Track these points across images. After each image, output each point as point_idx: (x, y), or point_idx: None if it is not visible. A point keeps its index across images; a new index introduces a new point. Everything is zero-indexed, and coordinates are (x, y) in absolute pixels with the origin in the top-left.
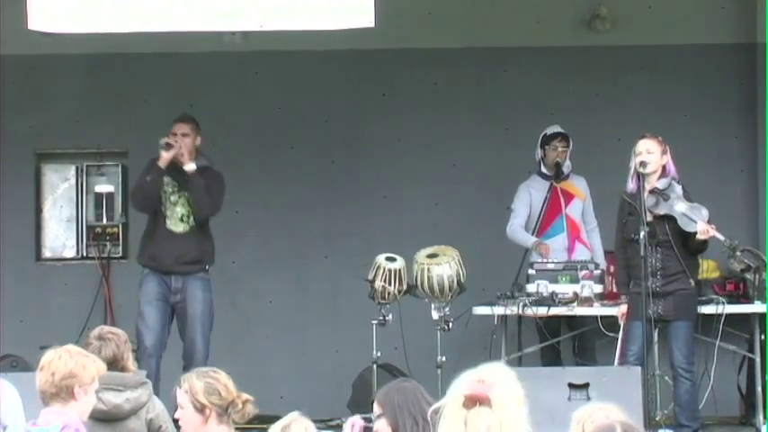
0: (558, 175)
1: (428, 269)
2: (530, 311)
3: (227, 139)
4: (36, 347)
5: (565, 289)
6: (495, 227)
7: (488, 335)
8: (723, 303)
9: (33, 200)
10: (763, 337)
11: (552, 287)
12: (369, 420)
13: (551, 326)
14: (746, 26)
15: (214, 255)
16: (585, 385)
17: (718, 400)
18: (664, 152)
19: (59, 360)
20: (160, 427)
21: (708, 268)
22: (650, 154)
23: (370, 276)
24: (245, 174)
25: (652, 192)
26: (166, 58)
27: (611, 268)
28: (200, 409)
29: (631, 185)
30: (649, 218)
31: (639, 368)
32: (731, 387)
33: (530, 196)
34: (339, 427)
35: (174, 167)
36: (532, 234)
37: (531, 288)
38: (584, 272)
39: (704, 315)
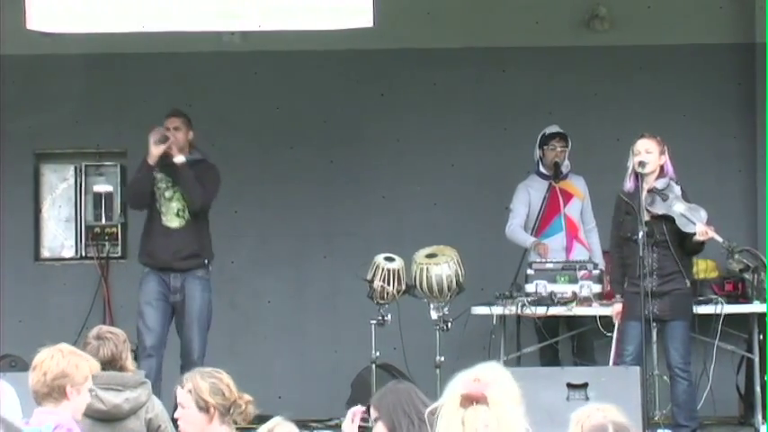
0: (556, 174)
1: (427, 269)
2: (528, 311)
3: (227, 139)
4: (35, 347)
5: (563, 289)
6: (494, 227)
7: (487, 335)
8: (722, 303)
9: (32, 200)
10: (761, 336)
11: (551, 287)
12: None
13: (550, 326)
14: (745, 26)
15: (212, 249)
16: (584, 385)
17: (717, 400)
18: (662, 152)
19: (51, 360)
20: (159, 426)
21: (706, 268)
22: (649, 154)
23: (369, 276)
24: (245, 174)
25: (650, 191)
26: (165, 58)
27: (610, 268)
28: (205, 408)
29: (629, 184)
30: (647, 217)
31: (638, 368)
32: (730, 387)
33: (528, 196)
34: (338, 426)
35: (167, 164)
36: (531, 234)
37: (529, 288)
38: (582, 272)
39: (703, 315)
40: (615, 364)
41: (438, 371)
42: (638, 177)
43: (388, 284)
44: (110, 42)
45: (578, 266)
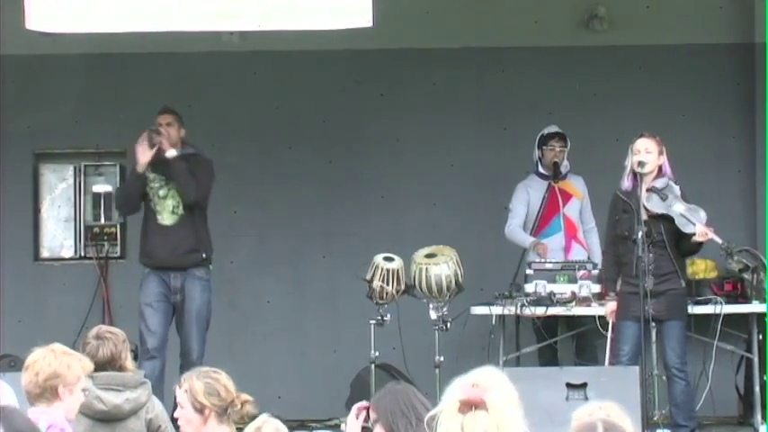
0: (556, 174)
1: (426, 269)
2: (528, 311)
3: (226, 139)
4: (34, 347)
5: (563, 289)
6: (493, 227)
7: (486, 335)
8: (721, 303)
9: (31, 200)
10: (761, 336)
11: (550, 287)
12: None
13: (549, 326)
14: (744, 26)
15: (211, 243)
16: (583, 385)
17: (716, 400)
18: (661, 152)
19: (43, 360)
20: (159, 427)
21: (706, 268)
22: (649, 153)
23: (368, 276)
24: (244, 174)
25: (650, 190)
26: (164, 58)
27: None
28: (200, 409)
29: (627, 183)
30: (644, 217)
31: (637, 368)
32: (729, 387)
33: (527, 195)
34: (337, 426)
35: (160, 162)
36: (530, 233)
37: (529, 288)
38: (581, 272)
39: (702, 315)
40: (611, 364)
41: (437, 371)
42: (636, 177)
43: (388, 284)
44: (109, 42)
45: (577, 266)
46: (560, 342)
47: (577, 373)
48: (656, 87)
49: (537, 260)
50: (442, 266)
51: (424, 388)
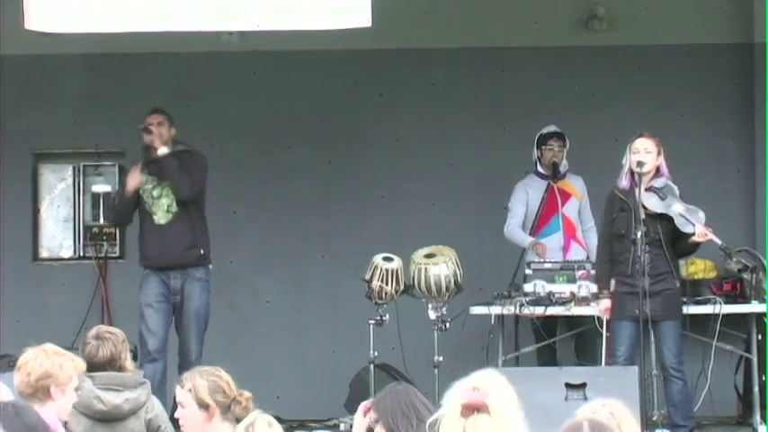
0: (555, 174)
1: (425, 269)
2: (527, 311)
3: (225, 139)
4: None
5: (562, 289)
6: (492, 227)
7: (485, 335)
8: (720, 303)
9: (30, 200)
10: (760, 336)
11: (549, 287)
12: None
13: (548, 326)
14: (744, 26)
15: (209, 240)
16: (582, 385)
17: (716, 400)
18: (659, 152)
19: (35, 360)
20: (159, 427)
21: (705, 268)
22: (648, 153)
23: (368, 276)
24: (243, 174)
25: (649, 190)
26: (164, 58)
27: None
28: (205, 407)
29: (624, 182)
30: (642, 216)
31: (636, 368)
32: (728, 387)
33: (526, 195)
34: (336, 426)
35: (151, 161)
36: (528, 233)
37: (528, 288)
38: (580, 272)
39: (701, 315)
40: (608, 364)
41: (436, 371)
42: (634, 176)
43: (387, 284)
44: (108, 42)
45: (576, 266)
46: (559, 342)
47: (576, 374)
48: (655, 87)
49: (536, 260)
50: (441, 266)
51: (423, 388)
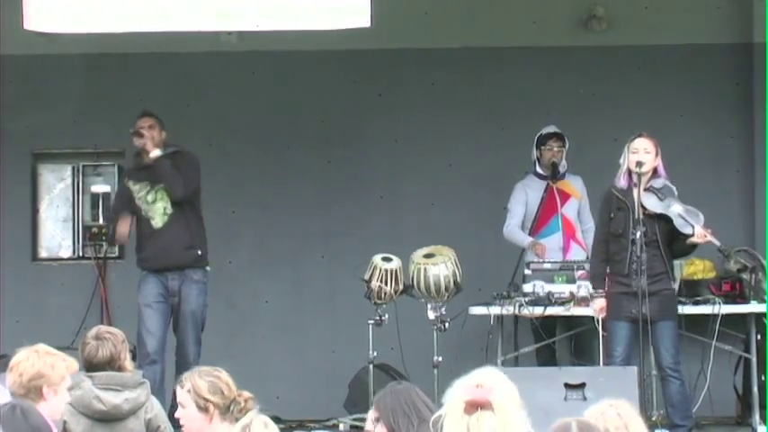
0: (554, 174)
1: (424, 269)
2: (526, 311)
3: (224, 139)
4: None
5: (561, 289)
6: (491, 227)
7: (485, 335)
8: (719, 303)
9: (30, 200)
10: (759, 336)
11: (548, 287)
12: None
13: (547, 326)
14: (743, 26)
15: (206, 241)
16: (581, 385)
17: (715, 400)
18: (657, 153)
19: (27, 361)
20: (159, 427)
21: (704, 268)
22: (647, 154)
23: (367, 276)
24: (242, 174)
25: (647, 190)
26: (163, 57)
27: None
28: (204, 407)
29: (622, 182)
30: (640, 216)
31: (635, 368)
32: (727, 387)
33: (525, 195)
34: (335, 426)
35: (143, 167)
36: (528, 233)
37: (527, 288)
38: (580, 272)
39: (700, 315)
40: (605, 364)
41: (435, 371)
42: (632, 176)
43: (386, 284)
44: (107, 42)
45: (576, 266)
46: (558, 342)
47: (576, 374)
48: (654, 87)
49: (535, 260)
50: (440, 266)
51: (422, 388)
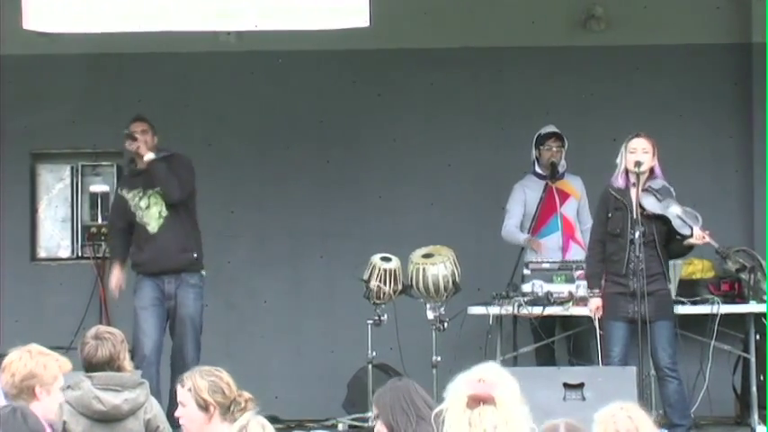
0: (553, 174)
1: (423, 269)
2: (525, 311)
3: (223, 139)
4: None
5: (560, 289)
6: (490, 227)
7: (484, 335)
8: (718, 303)
9: (28, 200)
10: (758, 336)
11: (547, 287)
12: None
13: (546, 326)
14: (741, 26)
15: (201, 245)
16: (580, 385)
17: (714, 400)
18: (654, 153)
19: (19, 361)
20: (158, 427)
21: (703, 268)
22: (646, 153)
23: (366, 276)
24: (241, 174)
25: (646, 191)
26: (161, 58)
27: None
28: (205, 407)
29: (620, 182)
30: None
31: (634, 368)
32: (726, 387)
33: (524, 195)
34: (334, 426)
35: (136, 174)
36: (527, 233)
37: (526, 288)
38: (579, 272)
39: (699, 315)
40: (604, 364)
41: (434, 371)
42: (629, 176)
43: (385, 284)
44: (106, 42)
45: (575, 266)
46: (557, 342)
47: (574, 373)
48: (653, 87)
49: (534, 260)
50: (439, 266)
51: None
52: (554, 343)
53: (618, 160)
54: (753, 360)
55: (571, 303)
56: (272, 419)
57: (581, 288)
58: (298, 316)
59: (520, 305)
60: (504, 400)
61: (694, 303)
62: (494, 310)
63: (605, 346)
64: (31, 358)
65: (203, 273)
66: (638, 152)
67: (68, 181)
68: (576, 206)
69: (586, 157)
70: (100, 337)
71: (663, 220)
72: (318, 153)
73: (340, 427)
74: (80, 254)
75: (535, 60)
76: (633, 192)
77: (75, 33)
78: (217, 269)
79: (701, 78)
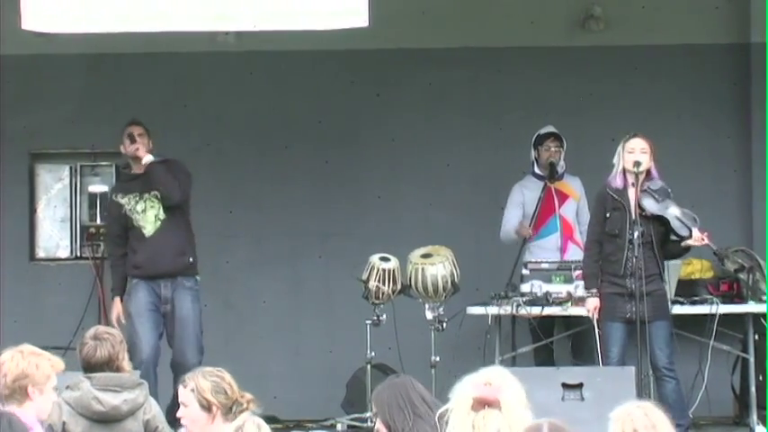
0: (552, 174)
1: (422, 269)
2: (523, 311)
3: (221, 139)
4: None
5: (558, 289)
6: (489, 227)
7: (482, 335)
8: (717, 303)
9: (27, 200)
10: (757, 336)
11: (546, 287)
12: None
13: (545, 326)
14: (740, 26)
15: (195, 249)
16: (579, 385)
17: (712, 400)
18: (652, 154)
19: (11, 361)
20: (157, 428)
21: (702, 268)
22: (644, 154)
23: (364, 276)
24: (239, 174)
25: (644, 191)
26: (160, 58)
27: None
28: (207, 407)
29: (618, 182)
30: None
31: (633, 368)
32: (725, 387)
33: (522, 196)
34: (333, 426)
35: (133, 178)
36: None
37: (524, 288)
38: (577, 272)
39: (698, 315)
40: (604, 364)
41: (433, 371)
42: (626, 176)
43: (384, 284)
44: (105, 43)
45: (573, 267)
46: (556, 342)
47: (573, 374)
48: (651, 87)
49: (533, 260)
50: (437, 266)
51: None
52: (553, 343)
53: (615, 160)
54: (752, 360)
55: (570, 303)
56: (271, 419)
57: (579, 288)
58: (296, 316)
59: (518, 305)
60: (510, 404)
61: (693, 303)
62: (492, 310)
63: (604, 346)
64: (23, 358)
65: (198, 278)
66: (637, 152)
67: (67, 181)
68: (575, 207)
69: (585, 156)
70: (99, 338)
71: (661, 220)
72: (317, 153)
73: (339, 427)
74: (79, 254)
75: (534, 60)
76: (631, 192)
77: (73, 33)
78: (215, 269)
79: (700, 78)
